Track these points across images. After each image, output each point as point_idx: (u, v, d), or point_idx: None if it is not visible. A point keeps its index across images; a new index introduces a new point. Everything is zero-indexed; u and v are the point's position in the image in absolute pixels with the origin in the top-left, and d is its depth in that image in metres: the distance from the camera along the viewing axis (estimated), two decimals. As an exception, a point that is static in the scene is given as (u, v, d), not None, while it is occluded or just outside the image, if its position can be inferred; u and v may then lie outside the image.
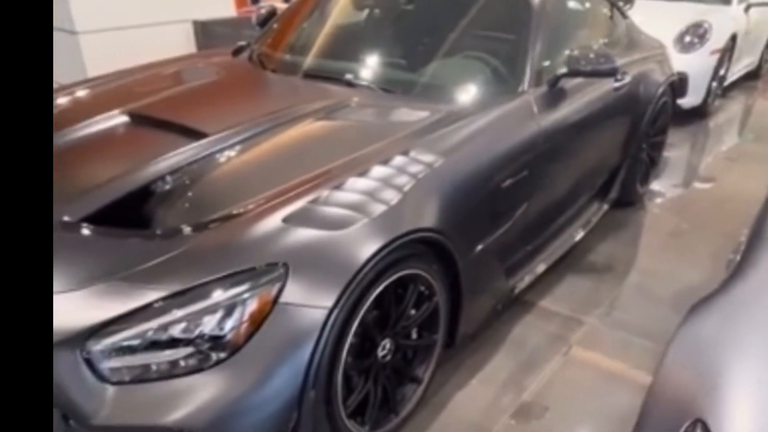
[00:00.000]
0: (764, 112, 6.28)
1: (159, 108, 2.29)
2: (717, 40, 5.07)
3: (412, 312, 1.95)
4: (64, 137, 2.12)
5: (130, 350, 1.48)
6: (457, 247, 1.96)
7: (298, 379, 1.54)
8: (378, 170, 1.84)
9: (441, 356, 2.15)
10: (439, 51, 2.64)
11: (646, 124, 3.35)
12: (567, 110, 2.59)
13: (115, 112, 2.22)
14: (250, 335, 1.50)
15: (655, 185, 4.07)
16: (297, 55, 2.82)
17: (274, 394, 1.52)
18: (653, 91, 3.34)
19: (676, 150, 4.80)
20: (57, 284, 1.53)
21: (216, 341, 1.49)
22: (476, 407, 2.19)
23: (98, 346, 1.46)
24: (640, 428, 1.14)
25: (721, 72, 5.46)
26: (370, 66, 2.71)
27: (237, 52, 3.05)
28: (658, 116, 3.53)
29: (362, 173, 1.81)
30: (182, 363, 1.49)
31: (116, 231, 1.67)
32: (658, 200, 3.99)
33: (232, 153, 1.98)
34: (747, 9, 5.68)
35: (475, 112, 2.26)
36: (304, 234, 1.61)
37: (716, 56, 5.12)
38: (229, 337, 1.49)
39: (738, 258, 1.59)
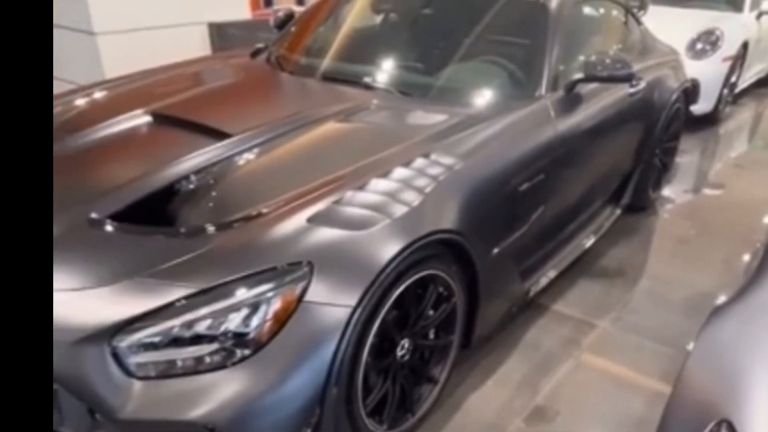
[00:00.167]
0: (774, 119, 6.29)
1: (182, 108, 2.32)
2: (729, 47, 5.08)
3: (431, 312, 1.97)
4: (88, 136, 2.15)
5: (157, 346, 1.50)
6: (476, 249, 1.98)
7: (321, 377, 1.56)
8: (400, 172, 1.86)
9: (457, 357, 2.17)
10: (457, 55, 2.67)
11: (659, 129, 3.37)
12: (583, 115, 2.61)
13: (139, 111, 2.26)
14: (274, 333, 1.52)
15: (666, 191, 4.08)
16: (315, 57, 2.85)
17: (298, 390, 1.54)
18: (667, 97, 3.36)
19: (687, 156, 4.81)
20: (85, 280, 1.57)
21: (241, 338, 1.51)
22: (491, 409, 2.20)
23: (125, 341, 1.49)
24: (663, 429, 1.16)
25: (733, 79, 5.47)
26: (388, 69, 2.74)
27: (255, 54, 3.08)
28: (672, 122, 3.55)
29: (384, 175, 1.84)
30: (207, 359, 1.51)
31: (142, 228, 1.70)
32: (669, 206, 4.01)
33: (255, 154, 2.00)
34: (759, 16, 5.70)
35: (493, 115, 2.28)
36: (328, 234, 1.63)
37: (728, 63, 5.13)
38: (253, 334, 1.51)
39: (756, 263, 1.61)
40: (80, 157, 2.06)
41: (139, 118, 2.25)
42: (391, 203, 1.75)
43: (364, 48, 2.88)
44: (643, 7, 4.02)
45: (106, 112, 2.29)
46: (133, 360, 1.49)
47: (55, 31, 4.27)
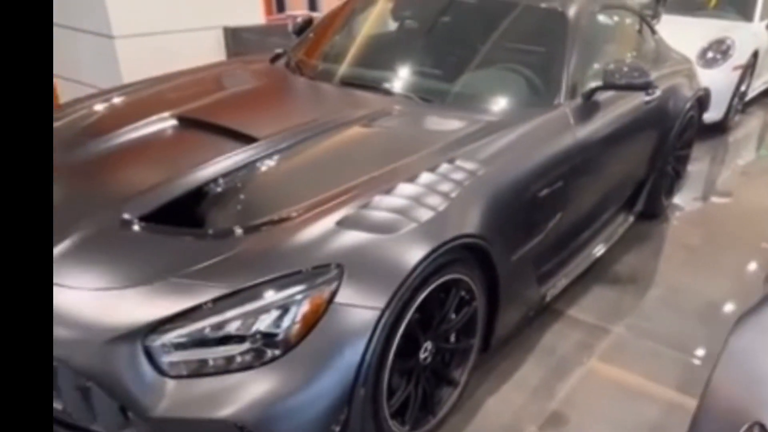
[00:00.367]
0: (783, 128, 6.32)
1: (207, 112, 2.35)
2: (739, 56, 5.11)
3: (453, 316, 1.99)
4: (117, 139, 2.18)
5: (189, 345, 1.53)
6: (497, 254, 2.01)
7: (350, 377, 1.58)
8: (426, 177, 1.90)
9: (476, 360, 2.19)
10: (476, 62, 2.70)
11: (673, 137, 3.39)
12: (600, 123, 2.64)
13: (165, 114, 2.29)
14: (304, 334, 1.55)
15: (677, 198, 4.11)
16: (335, 63, 2.88)
17: (327, 391, 1.56)
18: (682, 105, 3.39)
19: (697, 164, 4.83)
20: (118, 280, 1.60)
21: (271, 339, 1.54)
22: (508, 413, 2.23)
23: (158, 341, 1.51)
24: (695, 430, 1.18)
25: (742, 88, 5.49)
26: (408, 76, 2.76)
27: (275, 59, 3.12)
28: (685, 130, 3.58)
29: (411, 179, 1.87)
30: (238, 359, 1.54)
31: (173, 230, 1.73)
32: (680, 213, 4.04)
33: (281, 157, 2.04)
34: (769, 26, 5.73)
35: (514, 122, 2.31)
36: (357, 237, 1.66)
37: (738, 72, 5.16)
38: (284, 335, 1.54)
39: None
40: (110, 159, 2.10)
41: (165, 122, 2.28)
42: (418, 207, 1.78)
43: (383, 54, 2.91)
44: (656, 15, 4.05)
45: (132, 115, 2.32)
46: (166, 359, 1.52)
47: (74, 34, 4.32)
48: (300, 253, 1.63)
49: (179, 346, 1.52)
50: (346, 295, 1.57)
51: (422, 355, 1.91)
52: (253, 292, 1.55)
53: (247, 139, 2.09)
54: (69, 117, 2.41)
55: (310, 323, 1.55)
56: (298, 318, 1.54)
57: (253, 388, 1.51)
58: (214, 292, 1.54)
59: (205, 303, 1.53)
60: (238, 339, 1.54)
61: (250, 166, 1.98)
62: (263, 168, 1.99)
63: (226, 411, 1.49)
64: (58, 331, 1.54)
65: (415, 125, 2.35)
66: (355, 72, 2.77)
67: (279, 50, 3.20)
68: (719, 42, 5.10)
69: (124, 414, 1.58)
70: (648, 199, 3.47)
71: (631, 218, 3.35)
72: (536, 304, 2.48)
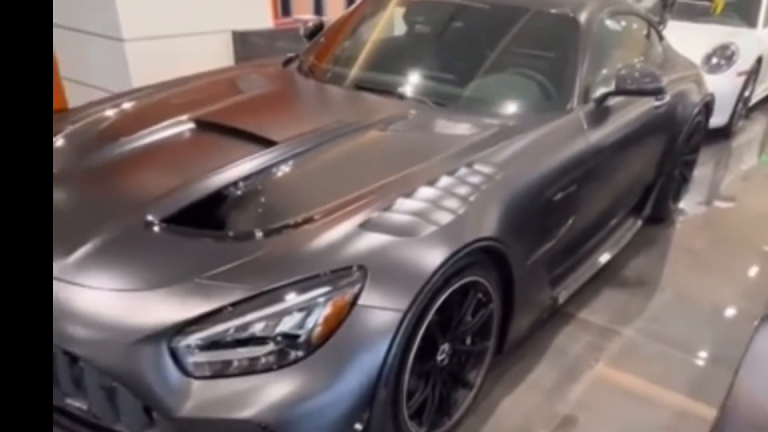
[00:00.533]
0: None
1: (225, 115, 2.37)
2: (744, 62, 5.14)
3: (469, 318, 2.01)
4: (136, 142, 2.20)
5: (214, 347, 1.54)
6: (514, 257, 2.03)
7: (372, 379, 1.60)
8: (445, 180, 1.92)
9: (490, 362, 2.21)
10: (489, 67, 2.73)
11: (681, 142, 3.42)
12: (612, 127, 2.66)
13: (183, 117, 2.31)
14: (328, 335, 1.56)
15: (681, 203, 4.13)
16: (348, 67, 2.90)
17: (349, 392, 1.58)
18: (690, 110, 3.41)
19: (702, 169, 4.86)
20: (143, 281, 1.61)
21: (295, 340, 1.55)
22: (522, 415, 2.24)
23: (184, 342, 1.53)
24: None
25: (746, 94, 5.53)
26: (421, 80, 2.78)
27: (287, 62, 3.14)
28: (692, 135, 3.61)
29: (431, 182, 1.89)
30: (262, 360, 1.55)
31: (197, 232, 1.75)
32: (686, 217, 4.06)
33: (301, 160, 2.05)
34: (772, 32, 5.77)
35: (529, 127, 2.33)
36: (380, 239, 1.68)
37: (743, 78, 5.19)
38: (307, 336, 1.55)
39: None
40: (130, 162, 2.12)
41: (183, 125, 2.29)
42: (439, 211, 1.80)
43: (396, 59, 2.93)
44: (662, 21, 4.08)
45: (150, 118, 2.34)
46: (191, 360, 1.54)
47: (84, 37, 4.34)
48: (324, 255, 1.65)
49: (204, 347, 1.54)
50: (369, 297, 1.59)
51: (439, 357, 1.93)
52: (277, 294, 1.57)
53: (265, 143, 2.11)
54: (86, 120, 2.43)
55: (334, 325, 1.57)
56: (322, 320, 1.56)
57: (276, 389, 1.53)
58: (239, 294, 1.56)
59: (230, 305, 1.55)
60: (262, 340, 1.55)
61: (270, 169, 1.99)
62: (284, 171, 2.01)
63: (250, 411, 1.51)
64: (84, 332, 1.56)
65: (431, 129, 2.37)
66: (368, 76, 2.79)
67: (291, 54, 3.22)
68: (724, 48, 5.13)
69: (148, 414, 1.60)
70: (656, 204, 3.50)
71: (640, 222, 3.38)
72: (549, 306, 2.49)
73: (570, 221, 2.45)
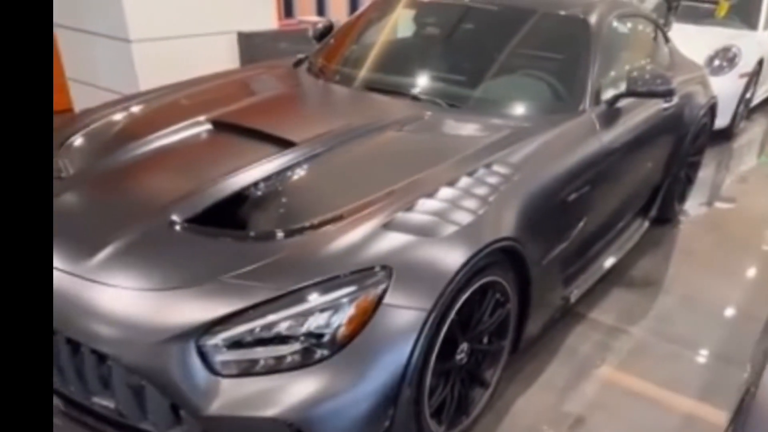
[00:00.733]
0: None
1: (241, 116, 2.38)
2: (746, 64, 5.19)
3: (487, 318, 2.03)
4: (154, 143, 2.21)
5: (241, 345, 1.55)
6: (531, 257, 2.05)
7: (397, 377, 1.61)
8: (465, 181, 1.94)
9: (506, 362, 2.23)
10: (501, 69, 2.75)
11: (687, 143, 3.45)
12: (623, 128, 2.69)
13: (201, 118, 2.32)
14: (354, 334, 1.57)
15: (686, 204, 4.17)
16: (360, 68, 2.91)
17: (374, 390, 1.59)
18: (696, 112, 3.45)
19: (704, 170, 4.89)
20: (170, 280, 1.62)
21: (321, 339, 1.57)
22: (537, 414, 2.26)
23: (212, 341, 1.54)
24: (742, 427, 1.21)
25: (748, 95, 5.57)
26: (434, 82, 2.80)
27: (298, 64, 3.15)
28: (698, 136, 3.64)
29: (451, 183, 1.91)
30: (288, 359, 1.57)
31: (222, 232, 1.76)
32: (690, 218, 4.09)
33: (321, 161, 2.07)
34: (773, 34, 5.81)
35: (543, 128, 2.35)
36: (404, 239, 1.69)
37: (744, 80, 5.23)
38: (334, 335, 1.57)
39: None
40: (150, 162, 2.13)
41: (200, 126, 2.31)
42: (460, 211, 1.82)
43: (409, 60, 2.95)
44: (667, 23, 4.11)
45: (167, 119, 2.35)
46: (219, 358, 1.55)
47: (90, 38, 4.34)
48: (349, 254, 1.66)
49: (231, 346, 1.55)
50: (394, 296, 1.61)
51: (458, 357, 1.95)
52: (303, 294, 1.58)
53: (284, 144, 2.12)
54: (103, 120, 2.44)
55: (359, 324, 1.58)
56: (347, 319, 1.57)
57: (302, 388, 1.54)
58: (266, 294, 1.57)
59: (256, 304, 1.56)
60: (288, 339, 1.57)
61: (291, 170, 2.01)
62: (305, 172, 2.03)
63: (276, 410, 1.52)
64: (112, 330, 1.57)
65: (447, 130, 2.39)
66: (380, 78, 2.81)
67: (301, 55, 3.24)
68: (725, 50, 5.17)
69: (174, 412, 1.61)
70: (662, 205, 3.53)
71: (647, 223, 3.40)
72: (561, 306, 2.52)
73: (582, 222, 2.48)
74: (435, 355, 1.74)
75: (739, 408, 1.78)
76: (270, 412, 1.52)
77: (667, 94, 2.62)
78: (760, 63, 5.54)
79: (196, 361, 1.54)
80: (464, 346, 1.95)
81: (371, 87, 2.75)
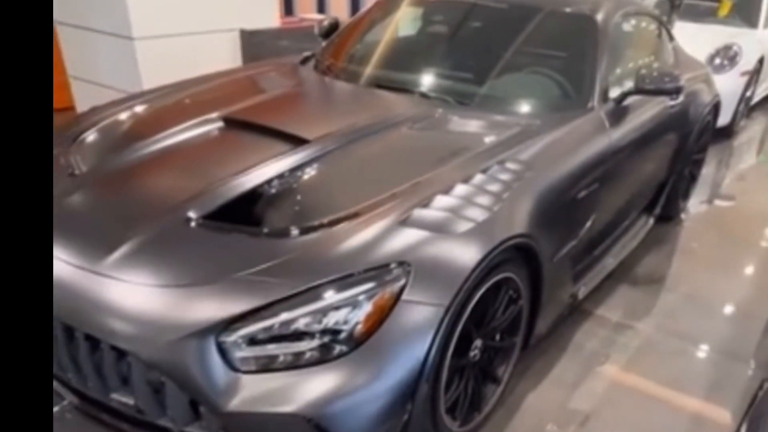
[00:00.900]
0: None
1: (252, 113, 2.38)
2: (746, 62, 5.22)
3: (500, 314, 2.04)
4: (166, 140, 2.20)
5: (260, 342, 1.56)
6: (543, 253, 2.06)
7: (415, 373, 1.62)
8: (479, 178, 1.94)
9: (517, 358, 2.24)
10: (509, 67, 2.75)
11: (692, 141, 3.47)
12: (630, 126, 2.70)
13: (212, 115, 2.32)
14: (372, 330, 1.58)
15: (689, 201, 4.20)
16: (370, 66, 2.91)
17: (393, 386, 1.60)
18: (701, 110, 3.47)
19: (705, 167, 4.92)
20: (189, 277, 1.63)
21: (340, 335, 1.57)
22: (548, 411, 2.27)
23: (231, 337, 1.54)
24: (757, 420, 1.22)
25: (748, 93, 5.60)
26: (444, 79, 2.80)
27: (305, 61, 3.15)
28: (702, 134, 3.66)
29: (466, 180, 1.92)
30: (307, 355, 1.57)
31: (239, 228, 1.76)
32: (691, 216, 4.11)
33: (335, 158, 2.07)
34: (773, 32, 5.84)
35: (553, 125, 2.36)
36: (421, 235, 1.70)
37: (745, 78, 5.26)
38: (353, 331, 1.57)
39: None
40: (164, 160, 2.13)
41: (212, 123, 2.30)
42: (475, 208, 1.82)
43: (417, 57, 2.95)
44: (669, 22, 4.13)
45: (178, 116, 2.34)
46: (238, 355, 1.55)
47: (93, 35, 4.33)
48: (367, 251, 1.66)
49: (251, 342, 1.56)
50: (413, 292, 1.61)
51: (472, 353, 1.95)
52: (321, 291, 1.58)
53: (297, 141, 2.12)
54: (113, 118, 2.44)
55: (378, 320, 1.59)
56: (366, 315, 1.58)
57: (321, 383, 1.54)
58: (284, 291, 1.57)
59: (275, 301, 1.56)
60: (308, 335, 1.57)
61: (306, 166, 2.01)
62: (320, 169, 2.03)
63: (295, 405, 1.52)
64: (132, 327, 1.57)
65: (458, 127, 2.39)
66: (389, 75, 2.81)
67: (307, 53, 3.24)
68: (726, 48, 5.20)
69: (193, 408, 1.61)
70: (666, 202, 3.54)
71: (652, 221, 3.42)
72: (570, 303, 2.53)
73: (591, 219, 2.49)
74: (451, 351, 1.75)
75: (752, 401, 1.80)
76: (289, 407, 1.52)
77: (676, 92, 2.63)
78: (761, 61, 5.57)
79: (216, 358, 1.54)
80: (478, 342, 1.96)
81: (380, 84, 2.75)
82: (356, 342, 1.58)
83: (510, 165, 2.05)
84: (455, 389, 1.91)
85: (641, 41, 3.36)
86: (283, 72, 3.07)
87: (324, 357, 1.57)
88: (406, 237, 1.69)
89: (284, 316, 1.56)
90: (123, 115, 2.45)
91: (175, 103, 2.58)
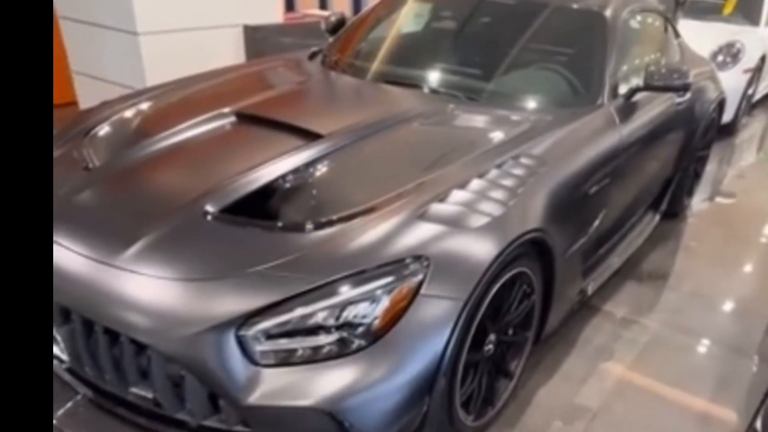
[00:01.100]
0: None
1: (264, 108, 2.38)
2: (749, 59, 5.23)
3: (514, 309, 2.04)
4: (179, 135, 2.20)
5: (280, 335, 1.56)
6: (556, 248, 2.07)
7: (433, 367, 1.63)
8: (495, 173, 1.95)
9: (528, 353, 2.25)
10: (518, 63, 2.76)
11: (697, 138, 3.48)
12: (639, 122, 2.71)
13: (225, 110, 2.31)
14: (391, 324, 1.58)
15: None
16: (379, 61, 2.91)
17: (411, 380, 1.60)
18: (707, 107, 3.48)
19: (707, 164, 4.94)
20: (208, 270, 1.63)
21: (359, 329, 1.57)
22: (559, 405, 2.28)
23: (251, 331, 1.55)
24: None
25: (750, 91, 5.62)
26: (454, 75, 2.79)
27: (312, 56, 3.15)
28: (707, 131, 3.67)
29: (481, 175, 1.92)
30: (326, 349, 1.57)
31: (256, 222, 1.76)
32: (695, 212, 4.13)
33: (350, 153, 2.07)
34: (775, 30, 5.86)
35: (564, 121, 2.37)
36: (439, 230, 1.70)
37: (748, 75, 5.28)
38: (371, 326, 1.57)
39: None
40: (177, 154, 2.13)
41: (224, 118, 2.30)
42: (491, 202, 1.83)
43: (427, 53, 2.95)
44: (674, 19, 4.13)
45: (190, 111, 2.34)
46: (258, 348, 1.55)
47: (96, 30, 4.31)
48: (386, 245, 1.66)
49: (270, 336, 1.56)
50: (431, 286, 1.62)
51: (486, 347, 1.96)
52: (340, 285, 1.58)
53: (311, 135, 2.12)
54: (125, 112, 2.43)
55: (397, 314, 1.59)
56: (385, 309, 1.58)
57: (340, 377, 1.55)
58: (303, 285, 1.58)
59: (295, 295, 1.56)
60: (326, 330, 1.57)
61: (322, 161, 2.01)
62: (336, 163, 2.03)
63: (314, 399, 1.53)
64: (151, 321, 1.57)
65: (471, 123, 2.39)
66: (399, 70, 2.81)
67: (315, 48, 3.23)
68: (729, 46, 5.21)
69: (212, 402, 1.61)
70: (671, 199, 3.56)
71: (658, 217, 3.43)
72: (580, 298, 2.54)
73: (601, 215, 2.50)
74: (468, 345, 1.76)
75: (766, 395, 1.81)
76: (308, 401, 1.53)
77: (684, 89, 2.64)
78: (763, 59, 5.59)
79: (236, 352, 1.55)
80: (492, 337, 1.97)
81: (389, 80, 2.75)
82: (374, 336, 1.58)
83: (524, 160, 2.05)
84: (470, 383, 1.91)
85: (648, 37, 3.36)
86: (291, 67, 3.06)
87: (342, 351, 1.57)
88: (424, 231, 1.69)
89: (303, 310, 1.56)
90: (135, 110, 2.45)
91: (187, 97, 2.58)
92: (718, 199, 4.53)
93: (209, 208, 1.78)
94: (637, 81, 2.73)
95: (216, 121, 2.28)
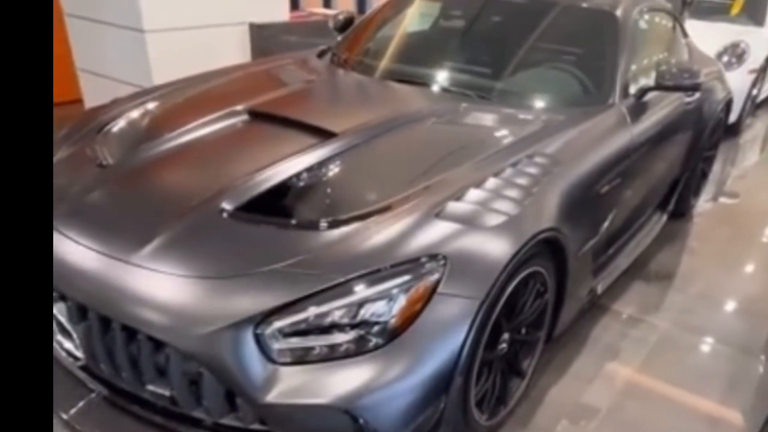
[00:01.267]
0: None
1: (277, 106, 2.38)
2: (754, 60, 5.23)
3: (527, 308, 2.04)
4: (193, 132, 2.20)
5: (297, 333, 1.56)
6: (569, 247, 2.07)
7: (450, 366, 1.63)
8: (510, 172, 1.95)
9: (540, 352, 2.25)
10: (530, 62, 2.76)
11: (705, 138, 3.48)
12: (649, 122, 2.71)
13: (238, 108, 2.31)
14: (408, 323, 1.58)
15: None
16: (389, 60, 2.92)
17: (428, 378, 1.60)
18: (714, 107, 3.48)
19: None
20: (226, 268, 1.62)
21: (376, 328, 1.57)
22: (570, 405, 2.28)
23: (268, 329, 1.55)
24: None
25: (754, 91, 5.62)
26: (465, 74, 2.79)
27: (321, 54, 3.15)
28: (715, 131, 3.67)
29: (496, 174, 1.92)
30: (343, 347, 1.57)
31: (272, 220, 1.76)
32: (702, 212, 4.13)
33: (364, 151, 2.07)
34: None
35: (576, 120, 2.37)
36: (456, 228, 1.70)
37: (753, 75, 5.28)
38: (389, 324, 1.57)
39: None
40: (192, 152, 2.13)
41: (237, 116, 2.30)
42: (506, 201, 1.82)
43: (438, 52, 2.95)
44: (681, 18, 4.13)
45: (202, 109, 2.34)
46: (276, 346, 1.55)
47: (102, 28, 4.31)
48: (406, 243, 1.66)
49: (288, 334, 1.56)
50: (449, 285, 1.61)
51: (500, 346, 1.96)
52: (357, 283, 1.58)
53: (324, 134, 2.12)
54: (136, 110, 2.43)
55: (414, 313, 1.59)
56: (403, 307, 1.58)
57: (357, 375, 1.55)
58: (321, 283, 1.57)
59: (313, 293, 1.56)
60: (343, 328, 1.57)
61: (336, 159, 2.01)
62: (350, 162, 2.03)
63: (332, 397, 1.53)
64: (169, 318, 1.57)
65: (484, 122, 2.39)
66: (410, 69, 2.81)
67: (323, 47, 3.23)
68: (734, 46, 5.21)
69: (229, 400, 1.61)
70: (678, 198, 3.56)
71: (665, 217, 3.43)
72: (591, 297, 2.54)
73: (612, 215, 2.50)
74: (483, 344, 1.75)
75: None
76: (325, 399, 1.53)
77: (695, 89, 2.64)
78: (767, 59, 5.59)
79: (254, 350, 1.55)
80: (506, 336, 1.97)
81: (400, 78, 2.75)
82: (392, 335, 1.58)
83: (538, 159, 2.05)
84: (484, 383, 1.91)
85: (658, 37, 3.36)
86: (301, 65, 3.06)
87: (360, 349, 1.57)
88: (441, 230, 1.69)
89: (320, 308, 1.56)
90: (147, 107, 2.45)
91: (198, 95, 2.58)
92: (723, 200, 4.53)
93: (225, 205, 1.78)
94: (646, 80, 2.73)
95: (229, 119, 2.28)
